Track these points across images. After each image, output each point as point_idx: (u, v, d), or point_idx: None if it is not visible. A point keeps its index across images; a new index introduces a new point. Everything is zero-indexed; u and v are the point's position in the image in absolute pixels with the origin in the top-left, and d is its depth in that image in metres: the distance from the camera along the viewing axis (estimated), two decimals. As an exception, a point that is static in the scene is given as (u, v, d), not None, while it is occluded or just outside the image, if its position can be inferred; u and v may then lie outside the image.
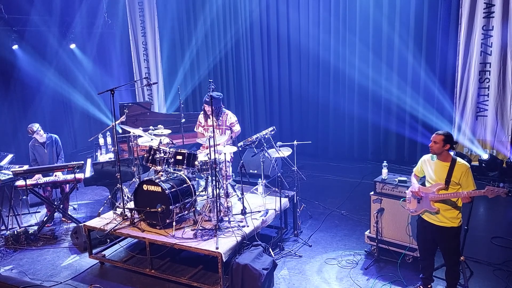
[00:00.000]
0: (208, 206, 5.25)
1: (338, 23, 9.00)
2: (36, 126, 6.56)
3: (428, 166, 4.15)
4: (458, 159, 4.01)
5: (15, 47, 9.34)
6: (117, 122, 6.16)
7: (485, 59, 7.75)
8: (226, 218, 5.17)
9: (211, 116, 5.25)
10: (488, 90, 7.83)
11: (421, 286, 4.46)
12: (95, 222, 5.47)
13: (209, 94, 5.42)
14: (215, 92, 6.00)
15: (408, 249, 4.90)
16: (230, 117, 6.14)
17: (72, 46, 10.42)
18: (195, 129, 6.41)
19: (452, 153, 4.09)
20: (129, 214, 5.37)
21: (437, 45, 8.21)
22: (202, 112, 6.24)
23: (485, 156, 7.79)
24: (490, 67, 7.73)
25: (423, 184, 4.27)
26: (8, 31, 9.15)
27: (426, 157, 4.22)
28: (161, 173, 5.36)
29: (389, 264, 5.02)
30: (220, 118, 6.07)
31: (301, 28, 9.43)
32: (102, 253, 5.54)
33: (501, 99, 7.75)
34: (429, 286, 4.45)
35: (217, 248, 4.54)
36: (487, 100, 7.87)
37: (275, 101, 10.14)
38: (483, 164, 7.78)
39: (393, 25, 8.49)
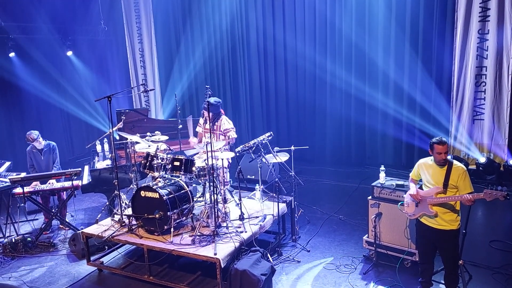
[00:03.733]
0: (206, 212, 5.24)
1: (334, 27, 9.04)
2: (35, 134, 6.54)
3: (425, 170, 4.16)
4: (455, 162, 4.02)
5: (11, 54, 9.35)
6: (114, 129, 6.15)
7: (481, 63, 7.79)
8: (224, 224, 5.16)
9: (208, 122, 5.26)
10: (485, 94, 7.86)
11: (420, 290, 4.46)
12: (93, 229, 5.45)
13: (206, 100, 5.42)
14: (214, 98, 6.00)
15: (406, 253, 4.90)
16: (224, 123, 6.04)
17: (69, 53, 10.43)
18: (196, 129, 6.38)
19: (449, 156, 4.11)
20: (127, 221, 5.35)
21: (433, 49, 8.25)
22: (202, 115, 6.23)
23: (482, 160, 7.81)
24: (486, 71, 7.77)
25: (421, 188, 4.28)
26: (4, 38, 9.16)
27: (422, 161, 4.23)
28: (158, 179, 5.36)
29: (388, 268, 5.02)
30: (216, 124, 6.04)
31: (297, 33, 9.46)
32: (100, 260, 5.52)
33: (497, 102, 7.78)
34: (428, 290, 4.45)
35: (215, 254, 4.53)
36: (484, 104, 7.90)
37: (272, 106, 10.16)
38: (481, 168, 7.80)
39: (389, 30, 8.54)
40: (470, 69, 7.87)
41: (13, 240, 6.02)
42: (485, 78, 7.80)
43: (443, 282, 4.34)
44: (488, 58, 7.70)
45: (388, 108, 8.82)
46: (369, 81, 8.91)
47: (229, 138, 6.09)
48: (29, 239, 6.14)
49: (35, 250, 6.07)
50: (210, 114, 5.61)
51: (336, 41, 9.08)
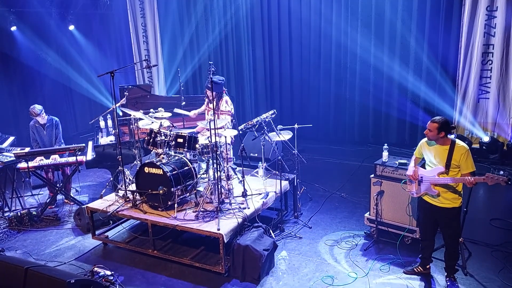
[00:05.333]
0: (209, 188, 5.29)
1: (340, 5, 8.89)
2: (39, 109, 6.55)
3: (427, 150, 4.16)
4: (457, 141, 4.01)
5: (13, 28, 9.26)
6: (117, 105, 6.15)
7: (488, 41, 7.68)
8: (227, 200, 5.21)
9: (212, 101, 5.23)
10: (491, 72, 7.78)
11: (419, 267, 4.53)
12: (97, 204, 5.52)
13: (210, 77, 5.38)
14: (217, 76, 5.95)
15: (407, 230, 4.96)
16: (223, 104, 5.98)
17: (71, 27, 10.33)
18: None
19: (452, 136, 4.08)
20: (131, 196, 5.41)
21: (440, 26, 8.12)
22: (205, 94, 6.20)
23: (486, 139, 7.79)
24: (493, 49, 7.67)
25: (423, 166, 4.29)
26: (6, 12, 9.05)
27: (425, 140, 4.22)
28: (162, 155, 5.39)
29: (388, 245, 5.08)
30: (219, 103, 6.02)
31: (302, 11, 9.30)
32: (105, 234, 5.61)
33: (503, 81, 7.71)
34: (427, 266, 4.51)
35: (218, 230, 4.59)
36: (489, 83, 7.82)
37: (275, 84, 10.09)
38: (484, 147, 7.80)
39: (395, 7, 8.39)
40: (477, 47, 7.77)
41: (19, 214, 6.11)
42: (492, 56, 7.71)
43: (443, 259, 4.40)
44: (496, 36, 7.58)
45: (393, 86, 8.76)
46: (374, 59, 8.80)
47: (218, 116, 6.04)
48: (34, 213, 6.23)
49: (41, 224, 6.16)
50: (214, 93, 5.55)
51: (342, 19, 8.93)
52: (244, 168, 5.48)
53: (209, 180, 5.39)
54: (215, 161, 5.01)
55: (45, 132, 6.67)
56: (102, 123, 7.73)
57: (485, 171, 3.91)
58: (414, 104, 8.59)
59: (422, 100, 8.51)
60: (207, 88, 5.88)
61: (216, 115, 5.96)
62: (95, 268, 4.77)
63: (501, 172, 3.83)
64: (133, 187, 5.56)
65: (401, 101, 8.75)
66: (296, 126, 5.85)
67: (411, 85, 8.55)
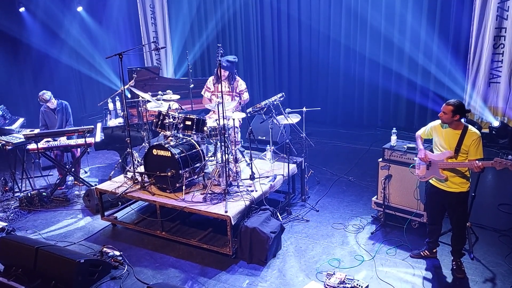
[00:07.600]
0: (217, 171, 5.31)
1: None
2: (48, 95, 6.59)
3: (439, 133, 4.12)
4: (470, 127, 3.97)
5: (22, 9, 9.24)
6: (126, 87, 6.15)
7: (501, 24, 7.53)
8: (235, 183, 5.24)
9: (223, 81, 5.18)
10: (502, 56, 7.64)
11: (426, 251, 4.54)
12: (106, 186, 5.57)
13: (218, 59, 5.34)
14: (231, 55, 5.93)
15: (414, 214, 4.96)
16: (240, 84, 6.09)
17: (79, 9, 10.28)
18: (202, 92, 6.37)
19: (463, 120, 4.05)
20: (139, 178, 5.45)
21: (452, 9, 7.95)
22: (214, 76, 6.17)
23: (496, 124, 7.71)
24: (505, 32, 7.51)
25: (431, 151, 4.27)
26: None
27: (437, 123, 4.17)
28: (170, 138, 5.40)
29: (395, 229, 5.09)
30: (233, 84, 6.02)
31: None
32: (114, 215, 5.68)
33: (515, 65, 7.58)
34: (434, 250, 4.53)
35: (226, 212, 4.62)
36: (501, 67, 7.69)
37: (284, 67, 10.00)
38: (494, 132, 7.71)
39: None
40: (489, 30, 7.61)
41: (29, 195, 6.19)
42: (504, 40, 7.56)
43: (450, 243, 4.41)
44: (509, 19, 7.42)
45: (403, 70, 8.64)
46: (384, 42, 8.68)
47: (242, 99, 6.07)
48: (44, 193, 6.31)
49: (51, 204, 6.25)
50: (226, 72, 5.52)
51: (352, 1, 8.79)
52: (252, 151, 5.48)
53: (217, 162, 5.41)
54: (223, 143, 5.01)
55: (56, 117, 6.73)
56: (110, 105, 7.75)
57: (494, 156, 3.86)
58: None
59: (432, 84, 8.40)
60: (223, 68, 5.58)
61: (231, 97, 5.98)
62: (104, 249, 4.85)
63: (510, 157, 3.78)
64: (141, 169, 5.59)
65: (411, 85, 8.64)
66: (304, 109, 5.82)
67: (421, 68, 8.44)
